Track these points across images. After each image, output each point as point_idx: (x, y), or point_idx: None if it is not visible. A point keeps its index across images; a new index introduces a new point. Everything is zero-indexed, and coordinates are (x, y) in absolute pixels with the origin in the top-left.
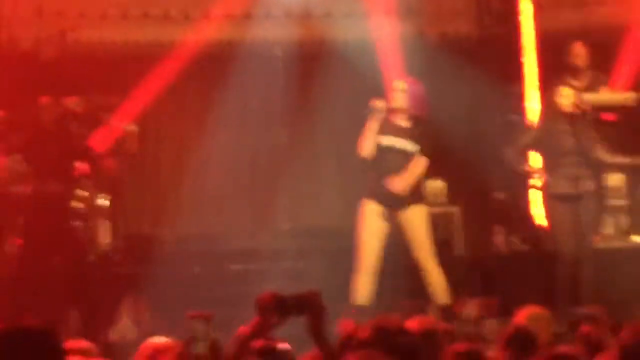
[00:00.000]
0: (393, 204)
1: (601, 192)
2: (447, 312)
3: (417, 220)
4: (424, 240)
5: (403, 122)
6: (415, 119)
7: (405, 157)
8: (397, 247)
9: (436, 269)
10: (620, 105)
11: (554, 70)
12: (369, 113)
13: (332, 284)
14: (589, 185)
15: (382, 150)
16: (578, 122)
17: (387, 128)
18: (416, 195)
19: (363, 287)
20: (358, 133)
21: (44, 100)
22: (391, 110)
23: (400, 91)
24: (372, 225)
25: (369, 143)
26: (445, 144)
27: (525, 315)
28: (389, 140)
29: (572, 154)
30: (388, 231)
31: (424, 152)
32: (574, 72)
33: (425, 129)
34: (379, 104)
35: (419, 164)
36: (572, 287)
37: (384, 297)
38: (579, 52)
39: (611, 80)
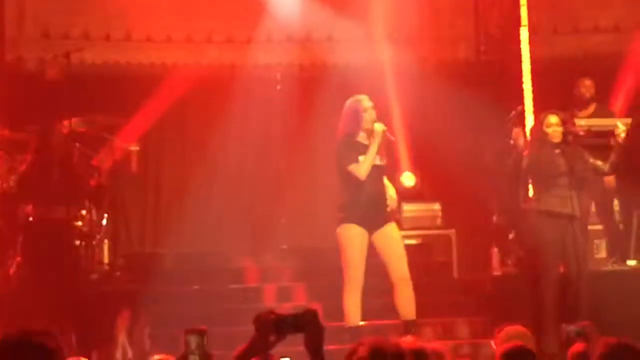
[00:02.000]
0: (375, 223)
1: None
2: (412, 328)
3: (396, 235)
4: (404, 254)
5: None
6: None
7: (380, 173)
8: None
9: (411, 284)
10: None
11: (550, 95)
12: (376, 135)
13: (329, 303)
14: (580, 207)
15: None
16: (569, 147)
17: (362, 147)
18: (389, 215)
19: (355, 307)
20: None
21: (50, 122)
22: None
23: (373, 108)
24: (359, 247)
25: (369, 167)
26: (442, 168)
27: (506, 334)
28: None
29: (563, 176)
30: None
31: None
32: (581, 103)
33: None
34: (381, 126)
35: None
36: (562, 309)
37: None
38: (589, 85)
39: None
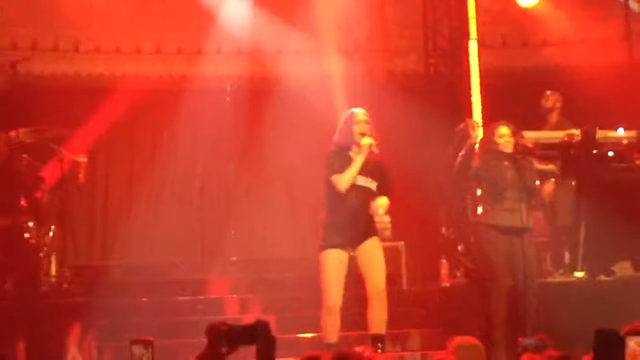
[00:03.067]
0: (355, 240)
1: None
2: (381, 343)
3: (376, 250)
4: (383, 268)
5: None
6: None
7: (367, 194)
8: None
9: (386, 299)
10: (562, 142)
11: (497, 107)
12: (362, 149)
13: (281, 315)
14: (529, 219)
15: (352, 188)
16: (518, 159)
17: (350, 161)
18: (373, 229)
19: (332, 327)
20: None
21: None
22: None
23: (367, 122)
24: (335, 270)
25: (351, 179)
26: (392, 180)
27: (455, 345)
28: (356, 179)
29: (513, 188)
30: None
31: (384, 188)
32: (545, 114)
33: (381, 166)
34: (367, 140)
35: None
36: (511, 320)
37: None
38: (554, 99)
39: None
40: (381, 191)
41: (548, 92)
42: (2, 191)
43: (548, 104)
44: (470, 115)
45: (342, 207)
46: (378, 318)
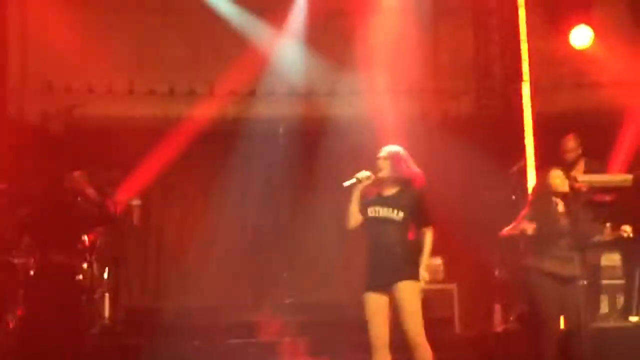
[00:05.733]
0: (385, 281)
1: (596, 272)
2: None
3: (407, 295)
4: (414, 313)
5: (389, 190)
6: (401, 186)
7: (390, 226)
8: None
9: (425, 344)
10: (616, 187)
11: (551, 150)
12: (354, 184)
13: (333, 358)
14: (580, 267)
15: (372, 222)
16: (572, 203)
17: (375, 198)
18: (408, 270)
19: None
20: None
21: (53, 175)
22: (377, 180)
23: (383, 159)
24: (373, 313)
25: (354, 214)
26: (443, 222)
27: None
28: (378, 212)
29: (566, 235)
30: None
31: (413, 217)
32: (569, 165)
33: (411, 194)
34: (362, 173)
35: (429, 240)
36: None
37: None
38: (571, 148)
39: (607, 162)
40: (416, 221)
41: (569, 143)
42: (60, 230)
43: (574, 153)
44: (522, 157)
45: (369, 244)
46: None
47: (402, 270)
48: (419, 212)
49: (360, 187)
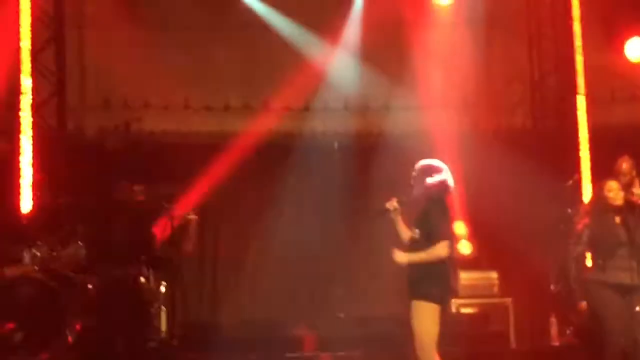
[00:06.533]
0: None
1: None
2: None
3: (414, 316)
4: (421, 335)
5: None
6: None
7: (415, 245)
8: None
9: None
10: None
11: (606, 163)
12: (388, 215)
13: None
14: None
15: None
16: (630, 216)
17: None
18: (417, 291)
19: None
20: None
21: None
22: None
23: (412, 178)
24: None
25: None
26: (499, 236)
27: None
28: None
29: (624, 245)
30: None
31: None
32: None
33: (423, 208)
34: (391, 204)
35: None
36: None
37: None
38: (625, 170)
39: None
40: (426, 237)
41: (624, 165)
42: (121, 244)
43: (629, 174)
44: (578, 171)
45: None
46: None
47: (412, 288)
48: (426, 226)
49: (395, 214)
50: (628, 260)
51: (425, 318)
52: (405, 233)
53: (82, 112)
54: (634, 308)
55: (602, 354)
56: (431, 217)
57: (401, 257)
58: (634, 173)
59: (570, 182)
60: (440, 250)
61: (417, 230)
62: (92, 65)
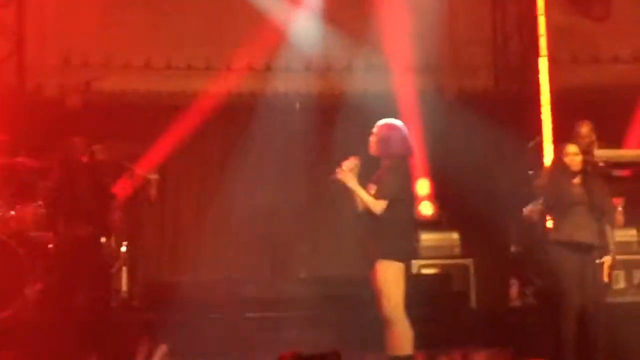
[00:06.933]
0: (368, 259)
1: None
2: None
3: (380, 275)
4: (384, 293)
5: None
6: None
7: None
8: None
9: (402, 321)
10: (632, 162)
11: (569, 125)
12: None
13: (348, 332)
14: (597, 236)
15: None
16: (588, 176)
17: (373, 178)
18: (383, 250)
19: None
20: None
21: (78, 140)
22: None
23: (372, 136)
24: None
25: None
26: (460, 197)
27: None
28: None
29: (581, 204)
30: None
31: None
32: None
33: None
34: (347, 163)
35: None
36: (581, 342)
37: None
38: (584, 134)
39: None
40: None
41: (583, 129)
42: (79, 203)
43: (588, 138)
44: (539, 133)
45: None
46: (400, 337)
47: (373, 247)
48: (381, 185)
49: (352, 176)
50: (586, 219)
51: (393, 277)
52: (362, 193)
53: (42, 70)
54: (592, 267)
55: (557, 316)
56: (387, 176)
57: (344, 175)
58: (593, 137)
59: (532, 143)
60: (376, 205)
61: (374, 187)
62: (52, 24)
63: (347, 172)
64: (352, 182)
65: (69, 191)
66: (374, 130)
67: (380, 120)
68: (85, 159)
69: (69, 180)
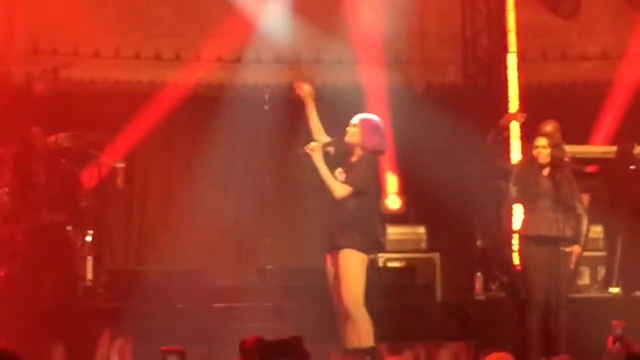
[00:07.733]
0: (329, 245)
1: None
2: (373, 356)
3: (340, 264)
4: (346, 284)
5: (354, 157)
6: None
7: None
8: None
9: (362, 313)
10: (599, 158)
11: (537, 121)
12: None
13: (314, 323)
14: (566, 230)
15: None
16: (556, 171)
17: (344, 165)
18: (346, 240)
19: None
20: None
21: (36, 130)
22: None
23: (352, 126)
24: (328, 273)
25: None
26: (427, 192)
27: None
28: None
29: (548, 197)
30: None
31: (351, 182)
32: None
33: (361, 163)
34: (313, 143)
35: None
36: (545, 335)
37: None
38: (548, 132)
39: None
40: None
41: (547, 127)
42: (40, 192)
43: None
44: (507, 129)
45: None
46: (361, 329)
47: (338, 234)
48: (350, 173)
49: (319, 154)
50: (553, 212)
51: (355, 268)
52: (326, 172)
53: (10, 57)
54: (557, 259)
55: (523, 310)
56: (360, 166)
57: (313, 151)
58: (558, 135)
59: (489, 137)
60: (339, 188)
61: (340, 170)
62: (21, 10)
63: (315, 149)
64: (319, 160)
65: (27, 181)
66: (356, 121)
67: (364, 113)
68: (47, 147)
69: (24, 170)
